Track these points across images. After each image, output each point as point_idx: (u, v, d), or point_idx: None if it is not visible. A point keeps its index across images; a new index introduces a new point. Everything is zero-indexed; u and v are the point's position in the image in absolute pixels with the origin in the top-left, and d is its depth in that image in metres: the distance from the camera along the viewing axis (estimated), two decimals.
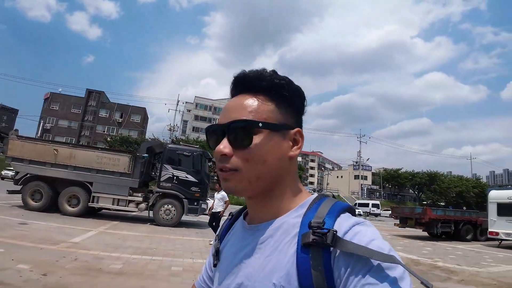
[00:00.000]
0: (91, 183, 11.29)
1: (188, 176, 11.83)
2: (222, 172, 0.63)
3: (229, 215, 0.83)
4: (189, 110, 77.44)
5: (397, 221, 16.85)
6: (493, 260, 9.33)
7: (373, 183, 75.66)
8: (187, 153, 12.17)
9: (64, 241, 6.62)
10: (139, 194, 11.64)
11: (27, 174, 11.20)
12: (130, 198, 11.42)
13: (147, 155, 12.04)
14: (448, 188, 62.70)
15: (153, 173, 13.32)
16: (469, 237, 15.27)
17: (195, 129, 72.96)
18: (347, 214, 0.60)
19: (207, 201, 12.24)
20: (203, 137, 61.16)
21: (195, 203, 11.68)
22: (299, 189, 0.68)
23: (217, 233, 0.81)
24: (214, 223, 8.53)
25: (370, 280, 0.49)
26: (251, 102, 0.64)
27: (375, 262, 0.50)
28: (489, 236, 13.54)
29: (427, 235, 16.04)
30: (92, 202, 11.26)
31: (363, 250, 0.50)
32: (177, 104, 61.72)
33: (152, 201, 11.51)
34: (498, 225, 12.97)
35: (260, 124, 0.61)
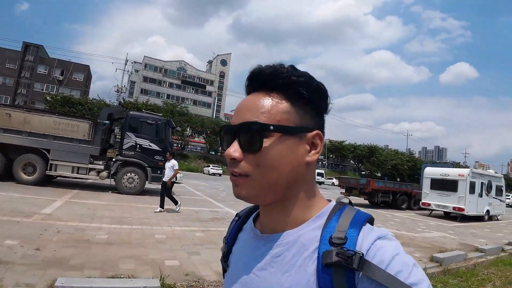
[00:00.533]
0: (48, 150, 10.72)
1: (152, 144, 11.75)
2: (232, 177, 0.60)
3: (235, 216, 0.78)
4: (137, 71, 73.06)
5: (343, 190, 18.54)
6: (426, 227, 10.97)
7: None
8: (150, 121, 11.98)
9: (36, 212, 6.47)
10: (100, 162, 11.35)
11: None
12: (91, 166, 11.10)
13: (108, 122, 11.64)
14: (385, 160, 68.64)
15: (111, 140, 12.92)
16: (404, 206, 17.38)
17: (143, 91, 69.54)
18: (369, 226, 0.57)
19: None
20: (153, 100, 59.24)
21: (159, 172, 11.66)
22: (316, 196, 0.64)
23: (225, 235, 0.78)
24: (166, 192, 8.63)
25: None
26: (265, 102, 0.59)
27: (399, 284, 0.49)
28: (421, 206, 15.59)
29: (368, 203, 17.85)
30: (50, 170, 10.75)
31: (387, 279, 0.49)
32: (126, 64, 58.00)
33: (114, 169, 11.30)
34: (430, 197, 14.97)
35: (272, 127, 0.57)
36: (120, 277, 3.54)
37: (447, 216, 14.90)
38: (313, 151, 0.60)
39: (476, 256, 6.60)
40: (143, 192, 11.79)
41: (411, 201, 17.73)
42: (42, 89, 54.76)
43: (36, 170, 10.66)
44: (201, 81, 75.87)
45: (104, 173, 11.25)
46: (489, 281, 4.87)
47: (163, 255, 4.70)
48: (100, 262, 4.11)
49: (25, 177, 10.57)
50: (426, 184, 15.38)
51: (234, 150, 0.58)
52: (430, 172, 15.53)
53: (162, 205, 8.50)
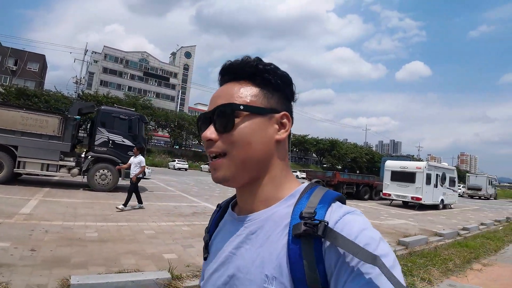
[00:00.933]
0: (15, 147, 10.13)
1: (125, 140, 11.53)
2: (212, 161, 0.64)
3: (217, 206, 0.82)
4: (96, 61, 69.58)
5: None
6: (389, 216, 11.94)
7: None
8: (123, 116, 11.74)
9: (16, 212, 6.28)
10: (71, 159, 10.98)
11: None
12: (61, 163, 10.68)
13: (79, 117, 11.28)
14: (346, 154, 71.73)
15: (79, 136, 12.49)
16: (366, 196, 18.53)
17: (103, 83, 66.44)
18: (338, 204, 0.60)
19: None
20: (114, 92, 56.89)
21: None
22: (289, 178, 0.68)
23: (207, 226, 0.80)
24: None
25: (362, 271, 0.50)
26: (236, 88, 0.65)
27: (367, 254, 0.49)
28: (382, 196, 16.80)
29: None
30: (18, 167, 10.22)
31: (352, 247, 0.50)
32: (85, 54, 55.03)
33: (86, 166, 11.00)
34: (390, 188, 16.15)
35: (241, 107, 0.62)
36: (129, 272, 3.70)
37: (405, 205, 16.22)
38: (282, 130, 0.66)
39: (436, 239, 7.43)
40: (116, 188, 11.58)
41: (373, 192, 18.92)
42: None
43: (3, 168, 10.06)
44: (164, 74, 73.94)
45: (75, 170, 10.91)
46: (450, 260, 5.59)
47: (160, 249, 4.88)
48: (102, 259, 4.21)
49: None
50: (386, 176, 16.54)
51: (211, 132, 0.63)
52: (390, 165, 16.72)
53: (126, 203, 8.02)
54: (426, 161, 16.57)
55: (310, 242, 0.54)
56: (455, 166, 29.12)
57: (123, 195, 10.68)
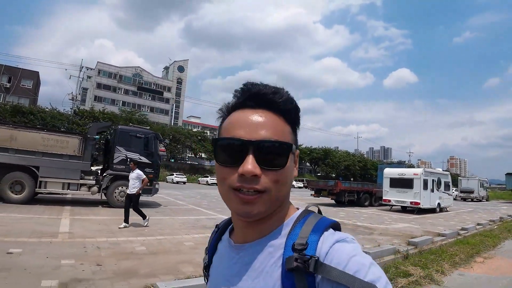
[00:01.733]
0: (37, 167, 10.65)
1: (142, 157, 12.14)
2: (247, 195, 0.60)
3: (215, 227, 0.83)
4: (89, 77, 70.05)
5: (312, 192, 20.12)
6: (392, 220, 12.72)
7: None
8: (140, 135, 12.37)
9: (57, 232, 6.80)
10: (91, 177, 11.55)
11: None
12: (82, 181, 11.25)
13: (98, 137, 11.88)
14: (339, 162, 72.86)
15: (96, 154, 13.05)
16: (366, 203, 19.29)
17: (97, 99, 66.57)
18: (330, 231, 0.61)
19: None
20: (108, 107, 56.95)
21: (149, 184, 12.12)
22: (288, 206, 0.69)
23: (206, 246, 0.82)
24: (131, 205, 8.16)
25: None
26: (277, 122, 0.64)
27: (358, 282, 0.51)
28: (383, 202, 17.63)
29: (334, 202, 19.42)
30: (39, 187, 10.72)
31: (344, 278, 0.51)
32: (81, 70, 55.38)
33: (105, 183, 11.54)
34: (390, 194, 17.02)
35: (294, 147, 0.64)
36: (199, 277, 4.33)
37: (404, 210, 17.01)
38: (295, 166, 0.68)
39: (440, 239, 8.20)
40: None
41: (372, 199, 19.68)
42: None
43: (24, 189, 10.54)
44: (158, 88, 74.54)
45: (95, 188, 11.44)
46: (456, 255, 6.37)
47: None
48: (163, 268, 4.83)
49: (13, 196, 10.39)
50: (386, 183, 17.41)
51: (254, 166, 0.58)
52: (389, 172, 17.61)
53: (126, 220, 8.04)
54: (422, 168, 17.54)
55: (302, 277, 0.55)
56: (445, 170, 30.24)
57: (145, 211, 11.18)
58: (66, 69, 63.36)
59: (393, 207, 17.47)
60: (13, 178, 10.45)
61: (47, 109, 47.38)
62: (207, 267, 0.77)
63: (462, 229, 10.17)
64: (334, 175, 70.25)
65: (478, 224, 11.66)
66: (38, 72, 58.97)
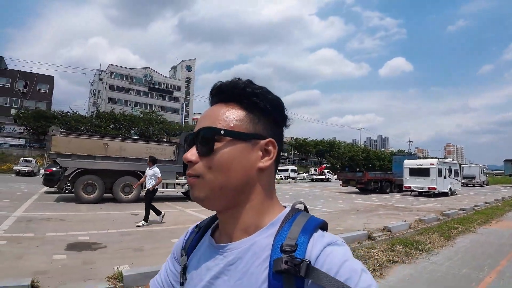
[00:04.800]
0: (143, 172, 12.90)
1: None
2: (188, 178, 0.63)
3: (195, 227, 0.78)
4: (101, 79, 72.51)
5: (341, 182, 23.36)
6: (418, 202, 15.97)
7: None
8: None
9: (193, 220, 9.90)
10: (183, 177, 14.56)
11: (77, 169, 11.81)
12: (177, 181, 14.23)
13: None
14: (343, 153, 76.21)
15: None
16: (388, 190, 22.58)
17: (111, 100, 69.11)
18: (320, 233, 0.59)
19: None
20: (121, 108, 59.43)
21: None
22: (271, 204, 0.66)
23: (183, 247, 0.76)
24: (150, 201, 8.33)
25: None
26: (221, 110, 0.64)
27: None
28: (404, 189, 20.88)
29: (358, 191, 22.33)
30: (144, 188, 13.44)
31: (335, 285, 0.51)
32: (100, 73, 57.67)
33: None
34: (410, 182, 20.31)
35: (222, 132, 0.61)
36: None
37: (420, 194, 20.27)
38: (266, 158, 0.63)
39: (462, 212, 11.40)
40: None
41: (392, 186, 23.01)
42: (5, 103, 53.01)
43: (132, 190, 12.81)
44: (167, 87, 77.25)
45: (186, 186, 14.48)
46: (477, 220, 9.53)
47: None
48: None
49: (125, 196, 12.70)
50: (406, 172, 20.64)
51: (192, 154, 0.62)
52: (408, 163, 20.88)
53: (146, 218, 8.14)
54: (437, 159, 20.80)
55: (291, 280, 0.53)
56: (443, 157, 33.54)
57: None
58: (85, 74, 65.21)
59: (412, 192, 20.76)
60: (124, 182, 12.74)
61: (68, 113, 49.97)
62: (184, 270, 0.71)
63: (475, 205, 13.42)
64: (339, 166, 73.56)
65: (486, 202, 14.94)
66: (53, 76, 61.37)
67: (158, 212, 8.46)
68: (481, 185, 38.98)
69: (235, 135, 0.62)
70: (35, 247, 5.48)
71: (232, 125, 0.63)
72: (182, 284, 0.70)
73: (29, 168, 33.88)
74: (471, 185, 38.54)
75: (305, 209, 0.67)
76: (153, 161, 8.59)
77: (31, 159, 36.13)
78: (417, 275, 4.70)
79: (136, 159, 13.34)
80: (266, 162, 0.63)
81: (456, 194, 21.81)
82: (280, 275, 0.54)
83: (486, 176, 43.30)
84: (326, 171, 52.27)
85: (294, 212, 0.63)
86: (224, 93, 0.66)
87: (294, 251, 0.55)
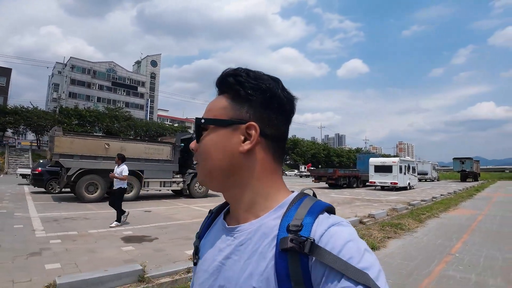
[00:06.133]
0: (142, 171, 13.75)
1: None
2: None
3: (208, 212, 0.83)
4: (60, 72, 69.15)
5: (313, 178, 25.59)
6: (385, 195, 18.42)
7: None
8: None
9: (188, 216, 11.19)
10: (178, 176, 15.51)
11: (80, 169, 12.17)
12: (173, 179, 15.14)
13: (183, 144, 15.80)
14: (306, 151, 79.65)
15: None
16: (354, 185, 25.12)
17: (72, 95, 66.13)
18: (325, 215, 0.61)
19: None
20: (82, 103, 57.67)
21: None
22: (277, 187, 0.68)
23: (198, 231, 0.82)
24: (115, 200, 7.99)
25: (346, 285, 0.51)
26: (214, 101, 0.70)
27: (350, 268, 0.52)
28: (369, 184, 23.54)
29: (328, 186, 24.53)
30: (143, 186, 13.86)
31: (338, 264, 0.52)
32: (65, 66, 55.05)
33: (189, 180, 15.35)
34: (374, 177, 23.06)
35: (202, 121, 0.67)
36: None
37: (382, 189, 23.01)
38: (246, 142, 0.65)
39: (423, 203, 13.75)
40: (208, 195, 15.95)
41: (358, 181, 25.59)
42: None
43: (133, 188, 13.50)
44: (132, 83, 75.53)
45: (181, 184, 15.46)
46: (438, 208, 11.78)
47: None
48: None
49: (126, 195, 13.08)
50: (371, 169, 23.28)
51: (193, 142, 0.70)
52: (373, 161, 23.59)
53: (119, 219, 7.88)
54: (398, 158, 23.69)
55: (296, 257, 0.56)
56: (395, 155, 37.59)
57: (214, 199, 15.49)
58: (47, 67, 61.92)
59: (376, 187, 23.41)
60: None
61: (30, 109, 47.48)
62: (197, 251, 0.76)
63: (433, 197, 16.01)
64: (302, 163, 76.81)
65: (441, 195, 17.70)
66: (11, 69, 57.98)
67: (122, 212, 8.01)
68: (433, 180, 43.76)
69: (214, 122, 0.66)
70: (94, 243, 6.00)
71: (216, 113, 0.67)
72: (195, 264, 0.75)
73: None
74: (424, 180, 43.04)
75: (314, 194, 0.69)
76: (122, 159, 8.25)
77: None
78: (408, 245, 6.51)
79: (136, 158, 13.91)
80: (246, 145, 0.64)
81: (414, 188, 24.89)
82: (286, 253, 0.56)
83: (437, 172, 48.58)
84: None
85: (301, 196, 0.65)
86: (217, 86, 0.71)
87: (300, 231, 0.57)
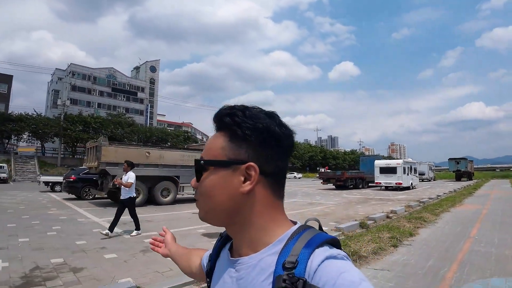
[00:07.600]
0: (178, 177, 14.78)
1: None
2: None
3: (219, 235, 0.83)
4: (60, 78, 69.84)
5: (322, 180, 27.41)
6: (393, 194, 20.23)
7: None
8: None
9: None
10: None
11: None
12: None
13: None
14: (304, 153, 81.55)
15: None
16: (360, 186, 26.98)
17: (73, 101, 66.54)
18: (324, 248, 0.59)
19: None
20: (83, 109, 58.31)
21: None
22: (277, 222, 0.67)
23: (210, 252, 0.85)
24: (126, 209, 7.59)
25: None
26: (212, 140, 0.69)
27: None
28: (375, 184, 25.44)
29: (334, 188, 26.35)
30: (179, 191, 14.94)
31: None
32: (69, 73, 55.61)
33: None
34: (380, 178, 24.99)
35: (202, 162, 0.67)
36: None
37: (387, 189, 24.88)
38: (247, 182, 0.64)
39: (431, 200, 15.59)
40: None
41: (364, 182, 27.47)
42: None
43: (170, 193, 14.53)
44: (131, 88, 76.49)
45: None
46: (446, 204, 13.56)
47: (367, 210, 12.03)
48: None
49: (163, 199, 14.28)
50: (376, 170, 25.18)
51: (193, 180, 0.70)
52: (378, 163, 25.52)
53: (138, 227, 7.68)
54: (402, 160, 25.68)
55: None
56: (388, 156, 39.84)
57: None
58: (52, 73, 62.90)
59: (381, 187, 25.34)
60: (163, 186, 14.38)
61: (34, 116, 48.22)
62: (209, 274, 0.78)
63: (438, 195, 17.89)
64: (300, 165, 78.64)
65: (444, 194, 19.61)
66: (12, 76, 58.34)
67: (113, 228, 7.47)
68: (430, 180, 46.16)
69: (213, 164, 0.66)
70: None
71: (215, 154, 0.66)
72: (208, 285, 0.78)
73: (4, 175, 33.14)
74: (421, 180, 45.17)
75: (320, 228, 0.68)
76: (130, 165, 7.85)
77: (3, 165, 34.88)
78: (435, 232, 8.22)
79: (173, 165, 15.09)
80: (246, 186, 0.64)
81: (416, 188, 26.89)
82: None
83: (434, 172, 51.05)
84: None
85: (302, 229, 0.64)
86: (215, 123, 0.71)
87: (295, 268, 0.56)
